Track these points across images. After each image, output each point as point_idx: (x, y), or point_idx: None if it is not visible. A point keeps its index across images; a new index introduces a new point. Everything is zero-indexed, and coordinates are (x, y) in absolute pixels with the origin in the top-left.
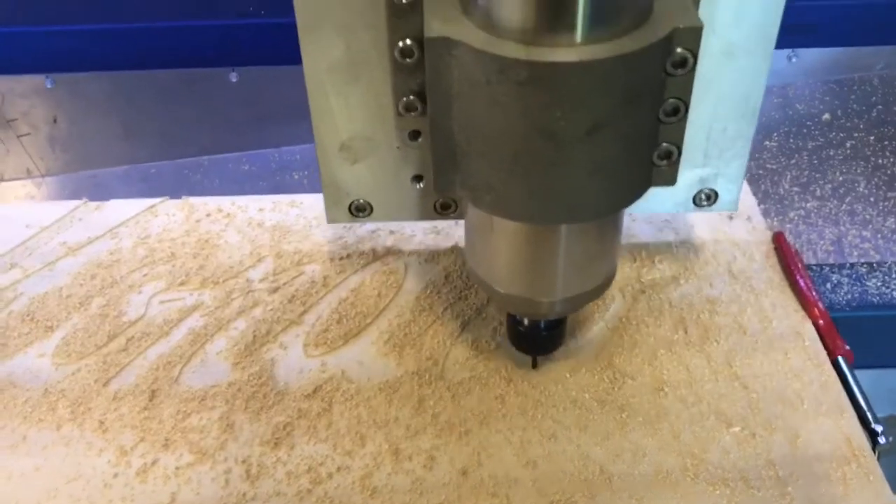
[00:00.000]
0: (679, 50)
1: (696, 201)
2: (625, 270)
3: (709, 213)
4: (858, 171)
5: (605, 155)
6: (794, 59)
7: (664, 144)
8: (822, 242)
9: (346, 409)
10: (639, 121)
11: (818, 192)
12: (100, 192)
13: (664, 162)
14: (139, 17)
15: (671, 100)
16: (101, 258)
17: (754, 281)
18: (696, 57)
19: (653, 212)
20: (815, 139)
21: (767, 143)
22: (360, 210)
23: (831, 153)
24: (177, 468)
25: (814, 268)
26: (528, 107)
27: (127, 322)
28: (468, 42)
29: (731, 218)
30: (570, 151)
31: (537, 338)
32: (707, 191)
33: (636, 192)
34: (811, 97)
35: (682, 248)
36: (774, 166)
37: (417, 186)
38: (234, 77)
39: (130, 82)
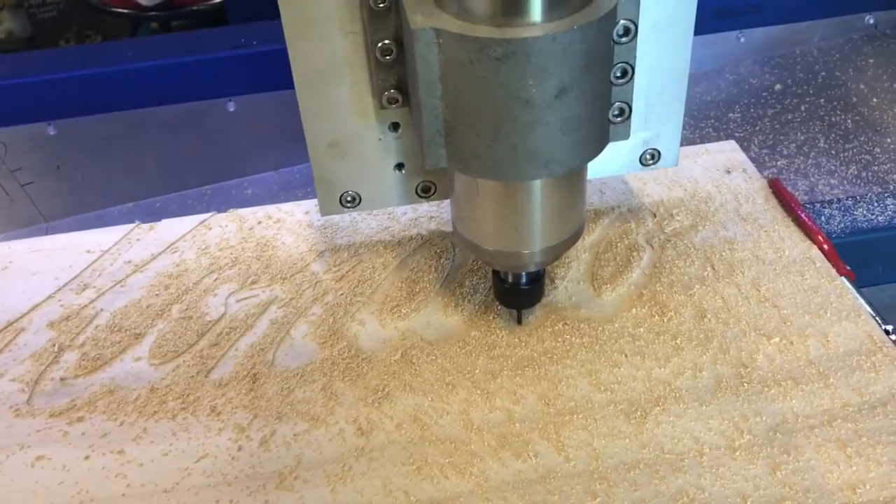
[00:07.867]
0: (622, 21)
1: (643, 160)
2: (649, 225)
3: (709, 169)
4: (816, 129)
5: (571, 114)
6: (742, 40)
7: (617, 103)
8: (797, 193)
9: (431, 365)
10: (596, 83)
11: (785, 152)
12: None
13: (619, 118)
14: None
15: (619, 64)
16: (168, 270)
17: (761, 220)
18: (636, 26)
19: (606, 174)
20: (773, 107)
21: (731, 115)
22: (350, 201)
23: (789, 117)
24: (295, 434)
25: (807, 206)
26: (506, 78)
27: (211, 321)
28: (451, 29)
29: (728, 172)
30: (543, 114)
31: (520, 292)
32: (651, 150)
33: (598, 148)
34: (761, 72)
35: (694, 202)
36: (742, 134)
37: (400, 173)
38: (231, 107)
39: (130, 122)
